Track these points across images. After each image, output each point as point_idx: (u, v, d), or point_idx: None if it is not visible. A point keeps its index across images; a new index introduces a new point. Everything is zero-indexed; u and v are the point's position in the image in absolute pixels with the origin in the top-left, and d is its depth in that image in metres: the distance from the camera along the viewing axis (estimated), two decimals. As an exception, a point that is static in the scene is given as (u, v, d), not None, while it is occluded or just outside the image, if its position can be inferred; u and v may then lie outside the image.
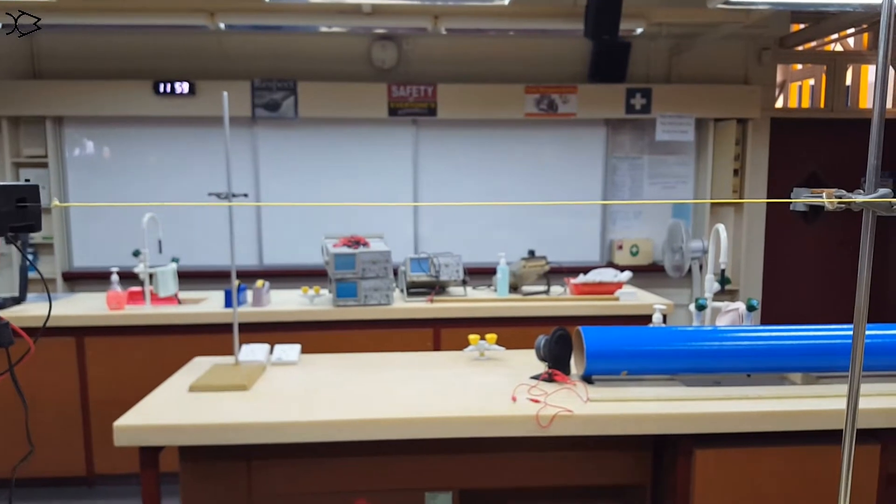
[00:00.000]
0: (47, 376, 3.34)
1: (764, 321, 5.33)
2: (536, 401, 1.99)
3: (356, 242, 3.53)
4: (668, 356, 2.13)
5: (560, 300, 3.54)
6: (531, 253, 3.73)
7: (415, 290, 3.67)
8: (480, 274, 4.20)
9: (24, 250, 3.75)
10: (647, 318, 3.45)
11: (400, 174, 5.11)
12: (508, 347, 2.58)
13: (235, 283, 2.35)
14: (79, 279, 5.02)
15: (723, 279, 2.44)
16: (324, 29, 4.69)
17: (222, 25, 4.39)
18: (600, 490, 2.43)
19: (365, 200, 5.03)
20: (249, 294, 3.54)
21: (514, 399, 2.01)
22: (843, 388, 2.03)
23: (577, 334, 2.22)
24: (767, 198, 5.25)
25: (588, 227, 5.18)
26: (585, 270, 4.73)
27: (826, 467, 1.99)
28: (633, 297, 3.55)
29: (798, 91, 6.01)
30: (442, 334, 3.52)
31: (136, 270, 3.43)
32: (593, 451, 2.16)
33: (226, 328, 3.34)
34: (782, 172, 5.32)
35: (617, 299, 3.52)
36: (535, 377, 2.20)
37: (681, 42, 5.05)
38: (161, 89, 4.71)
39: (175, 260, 3.57)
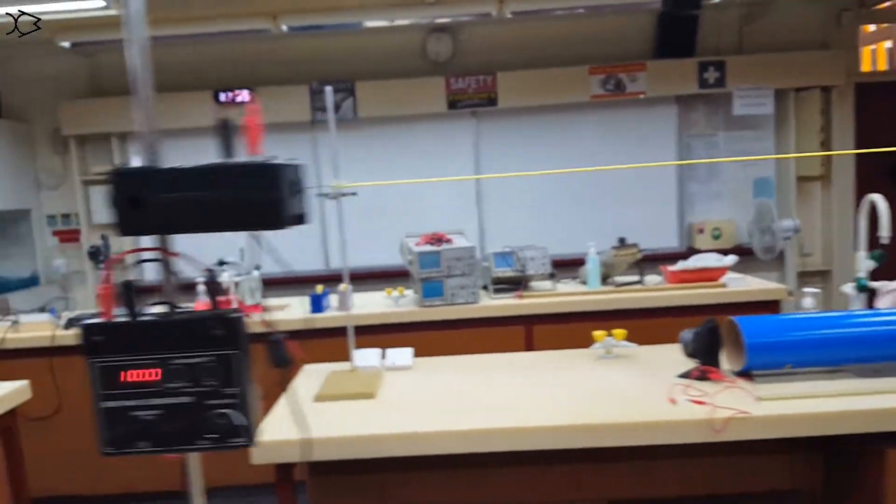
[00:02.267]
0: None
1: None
2: (700, 402, 1.80)
3: (438, 240, 3.38)
4: (838, 345, 1.92)
5: (658, 290, 3.33)
6: (621, 241, 3.52)
7: (500, 286, 3.50)
8: (557, 266, 4.01)
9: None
10: (760, 306, 3.23)
11: (461, 168, 4.95)
12: None
13: (344, 286, 2.22)
14: (154, 293, 4.98)
15: (880, 256, 2.22)
16: (383, 23, 4.54)
17: (285, 28, 4.28)
18: (760, 496, 2.23)
19: (427, 197, 4.88)
20: (333, 298, 3.42)
21: (672, 401, 1.83)
22: None
23: (729, 325, 2.03)
24: (857, 169, 4.95)
25: (664, 211, 4.94)
26: (665, 257, 4.50)
27: None
28: (742, 283, 3.33)
29: (871, 54, 5.68)
30: (535, 332, 3.35)
31: (220, 280, 3.33)
32: (754, 454, 1.97)
33: (314, 334, 3.22)
34: (871, 141, 5.01)
35: (723, 286, 3.31)
36: (684, 375, 2.01)
37: (753, 9, 4.79)
38: (222, 98, 4.63)
39: (257, 268, 3.46)
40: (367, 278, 4.74)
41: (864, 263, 2.25)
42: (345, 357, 2.36)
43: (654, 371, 2.11)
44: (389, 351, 2.38)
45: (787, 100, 4.82)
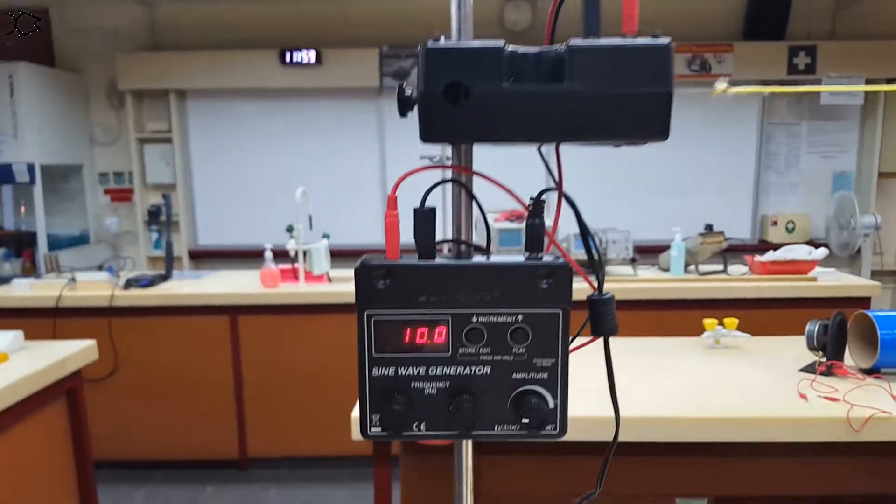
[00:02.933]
0: (200, 356, 3.22)
1: (933, 305, 4.81)
2: (833, 399, 1.67)
3: (519, 216, 3.26)
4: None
5: (745, 280, 3.17)
6: (708, 228, 3.36)
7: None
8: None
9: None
10: (851, 302, 3.05)
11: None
12: (687, 332, 2.28)
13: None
14: (204, 257, 4.94)
15: None
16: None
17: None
18: (868, 499, 2.09)
19: (500, 172, 4.73)
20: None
21: (804, 397, 1.70)
22: None
23: (857, 319, 1.88)
24: (943, 168, 4.69)
25: (739, 201, 4.74)
26: (737, 249, 4.32)
27: None
28: (833, 278, 3.15)
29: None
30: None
31: (288, 247, 3.25)
32: (868, 456, 1.83)
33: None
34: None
35: (814, 280, 3.13)
36: (807, 369, 1.88)
37: (847, -6, 4.53)
38: (287, 59, 4.52)
39: (326, 236, 3.38)
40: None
41: None
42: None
43: (771, 363, 1.97)
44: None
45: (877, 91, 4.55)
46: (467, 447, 0.65)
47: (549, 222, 0.59)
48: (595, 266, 0.54)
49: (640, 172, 4.73)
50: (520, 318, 0.54)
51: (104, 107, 4.97)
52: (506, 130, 0.51)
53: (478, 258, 0.56)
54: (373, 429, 0.57)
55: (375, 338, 0.55)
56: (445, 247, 0.57)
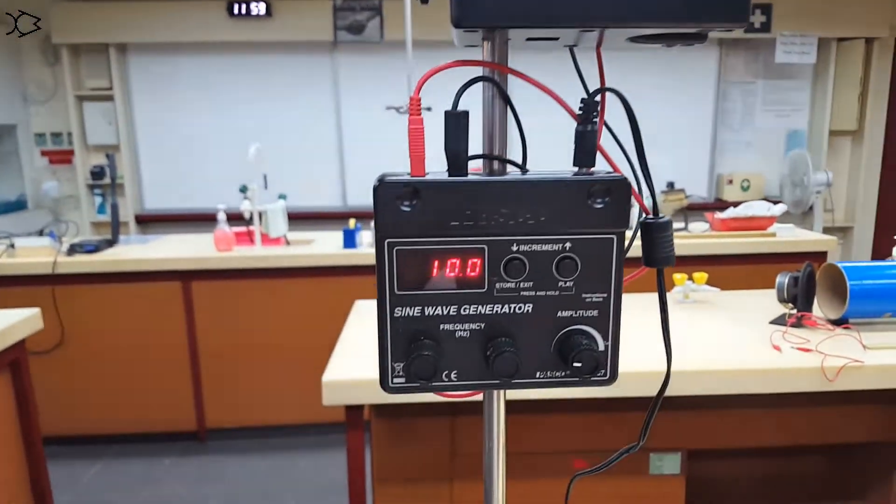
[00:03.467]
0: (152, 324, 3.07)
1: (874, 256, 4.99)
2: (806, 349, 1.68)
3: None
4: (946, 296, 1.80)
5: (707, 237, 3.20)
6: (670, 185, 3.37)
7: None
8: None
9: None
10: (809, 257, 3.12)
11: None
12: (652, 289, 2.28)
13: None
14: (152, 222, 4.72)
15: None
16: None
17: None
18: (837, 448, 2.15)
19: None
20: (367, 234, 3.23)
21: (777, 348, 1.70)
22: None
23: (826, 271, 1.89)
24: (886, 128, 4.82)
25: (696, 160, 4.78)
26: (695, 207, 4.37)
27: None
28: (791, 233, 3.20)
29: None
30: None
31: (242, 208, 3.11)
32: (838, 406, 1.87)
33: (345, 271, 3.04)
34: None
35: (773, 235, 3.18)
36: (777, 321, 1.89)
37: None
38: (235, 11, 4.28)
39: (282, 197, 3.24)
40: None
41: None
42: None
43: (741, 317, 1.98)
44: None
45: (828, 50, 4.62)
46: (500, 398, 0.57)
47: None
48: (649, 185, 0.47)
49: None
50: (567, 245, 0.45)
51: (38, 62, 4.63)
52: (559, 9, 0.41)
53: (509, 174, 0.48)
54: (395, 380, 0.48)
55: (398, 272, 0.46)
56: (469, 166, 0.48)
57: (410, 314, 0.46)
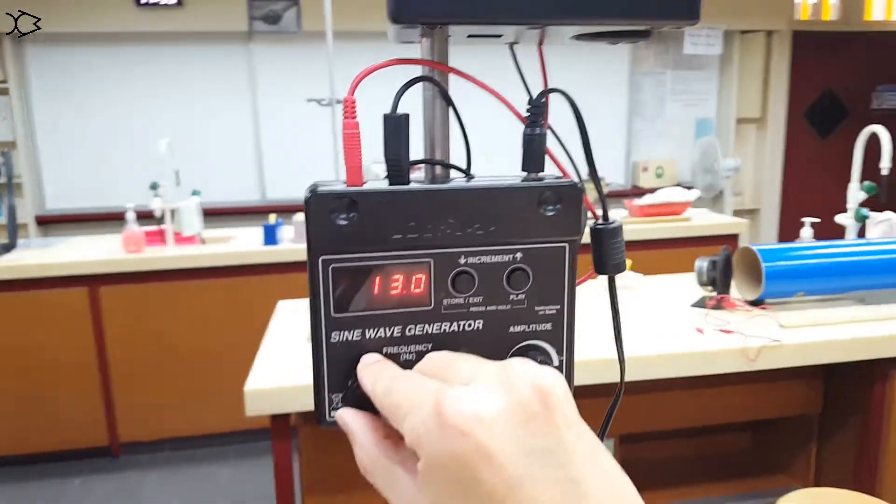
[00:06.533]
0: (56, 334, 2.86)
1: (781, 236, 5.28)
2: (727, 331, 1.74)
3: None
4: (848, 272, 1.90)
5: (626, 223, 3.28)
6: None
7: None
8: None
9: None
10: (723, 240, 3.24)
11: (412, 91, 4.64)
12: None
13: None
14: (54, 223, 4.40)
15: (870, 188, 2.22)
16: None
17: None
18: (760, 424, 2.24)
19: (374, 123, 4.54)
20: (289, 230, 3.12)
21: (700, 331, 1.75)
22: None
23: (742, 254, 1.96)
24: (787, 115, 5.10)
25: (613, 148, 4.89)
26: (614, 195, 4.49)
27: None
28: (705, 218, 3.33)
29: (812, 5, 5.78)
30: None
31: (153, 206, 2.94)
32: (759, 383, 1.94)
33: (266, 269, 2.93)
34: (801, 88, 5.17)
35: (688, 220, 3.30)
36: (698, 304, 1.94)
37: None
38: (143, 0, 4.03)
39: (196, 193, 3.08)
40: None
41: (857, 195, 2.24)
42: (306, 293, 2.15)
43: (663, 301, 2.03)
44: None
45: (732, 42, 4.83)
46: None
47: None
48: (598, 189, 0.43)
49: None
50: (519, 256, 0.42)
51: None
52: (506, 4, 0.38)
53: (454, 181, 0.43)
54: (333, 412, 0.42)
55: (335, 292, 0.41)
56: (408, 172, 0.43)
57: (349, 339, 0.41)
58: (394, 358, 0.42)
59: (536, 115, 0.43)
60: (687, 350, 1.65)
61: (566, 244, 0.42)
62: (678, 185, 4.90)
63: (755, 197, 5.20)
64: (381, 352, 0.42)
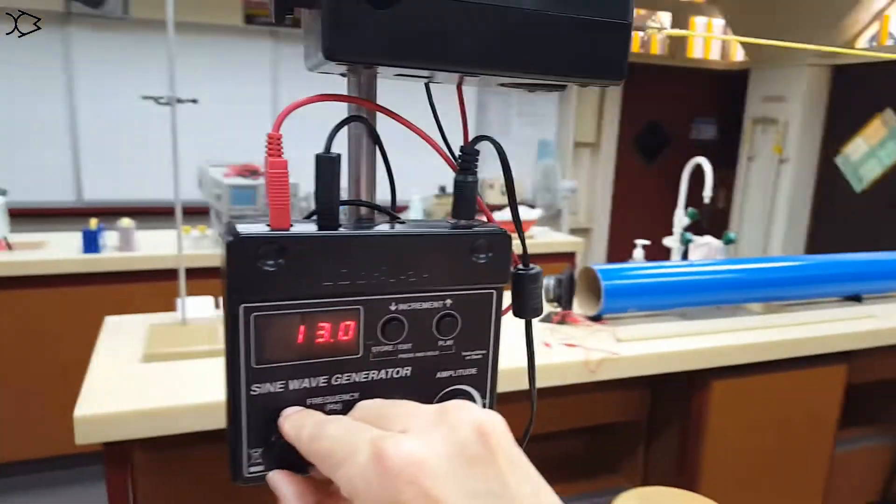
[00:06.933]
0: None
1: (610, 254, 5.73)
2: (572, 345, 1.83)
3: (253, 172, 2.98)
4: (675, 291, 2.09)
5: (474, 238, 3.37)
6: (442, 189, 3.48)
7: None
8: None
9: None
10: (562, 257, 3.44)
11: (256, 96, 4.44)
12: None
13: (180, 216, 1.80)
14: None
15: (694, 214, 2.46)
16: None
17: None
18: (595, 429, 2.37)
19: (211, 124, 4.29)
20: (112, 236, 2.83)
21: (547, 345, 1.82)
22: (814, 315, 2.18)
23: (583, 273, 2.08)
24: (618, 142, 5.55)
25: (445, 164, 5.00)
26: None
27: (822, 386, 2.12)
28: (547, 236, 3.51)
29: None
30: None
31: (-52, 206, 2.53)
32: (597, 392, 2.07)
33: (86, 279, 2.63)
34: (630, 117, 5.66)
35: (532, 237, 3.46)
36: (545, 320, 2.03)
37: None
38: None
39: (2, 192, 2.70)
40: (136, 213, 4.04)
41: (682, 220, 2.47)
42: (134, 307, 2.02)
43: (511, 316, 2.09)
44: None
45: (571, 69, 5.16)
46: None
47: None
48: (520, 235, 0.45)
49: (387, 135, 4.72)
50: (449, 302, 0.41)
51: None
52: (438, 50, 0.37)
53: (386, 226, 0.41)
54: (252, 468, 0.39)
55: (257, 343, 0.37)
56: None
57: (271, 391, 0.38)
58: (318, 409, 0.39)
59: (469, 161, 0.43)
60: (538, 363, 1.71)
61: (494, 290, 0.43)
62: (522, 202, 5.15)
63: (588, 216, 5.60)
64: (303, 403, 0.39)
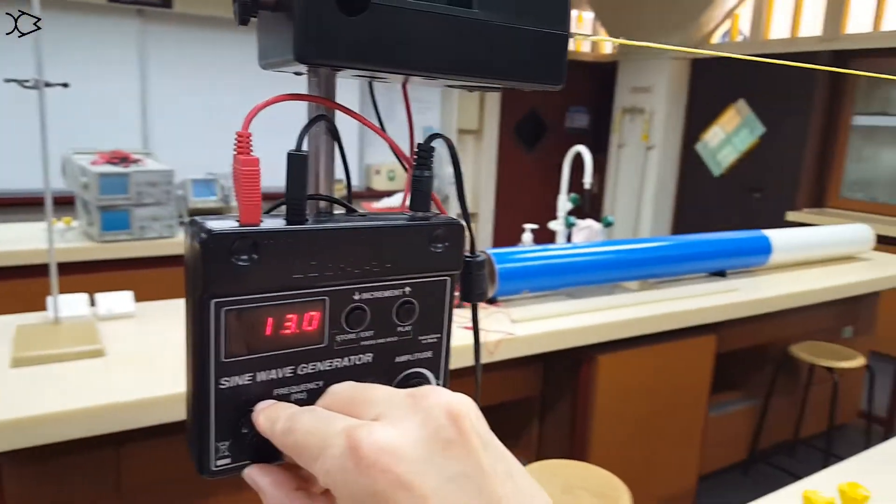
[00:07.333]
0: None
1: (495, 237, 5.90)
2: (469, 328, 1.88)
3: (123, 159, 2.80)
4: (562, 272, 2.20)
5: (365, 226, 3.36)
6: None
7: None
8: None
9: None
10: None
11: (124, 78, 4.15)
12: None
13: (50, 208, 1.66)
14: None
15: (576, 199, 2.59)
16: None
17: None
18: (492, 406, 2.44)
19: (77, 107, 3.96)
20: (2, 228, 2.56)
21: (447, 329, 1.86)
22: (685, 290, 2.38)
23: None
24: (500, 129, 5.71)
25: (347, 151, 4.94)
26: (355, 196, 4.57)
27: (694, 356, 2.32)
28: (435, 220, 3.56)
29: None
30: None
31: None
32: (494, 371, 2.15)
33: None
34: (510, 106, 5.83)
35: (422, 223, 3.49)
36: (443, 304, 2.07)
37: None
38: None
39: None
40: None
41: (565, 205, 2.60)
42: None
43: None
44: (101, 296, 1.89)
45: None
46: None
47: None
48: (468, 224, 0.47)
49: (272, 119, 4.56)
50: (408, 290, 0.43)
51: None
52: (402, 56, 0.39)
53: (351, 219, 0.42)
54: (219, 461, 0.39)
55: (227, 336, 0.38)
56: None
57: (239, 383, 0.39)
58: (284, 399, 0.40)
59: (424, 158, 0.45)
60: (437, 348, 1.74)
61: (448, 277, 0.45)
62: (408, 188, 5.18)
63: (474, 202, 5.73)
64: (270, 394, 0.39)
